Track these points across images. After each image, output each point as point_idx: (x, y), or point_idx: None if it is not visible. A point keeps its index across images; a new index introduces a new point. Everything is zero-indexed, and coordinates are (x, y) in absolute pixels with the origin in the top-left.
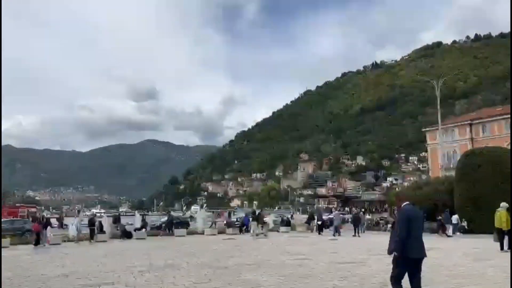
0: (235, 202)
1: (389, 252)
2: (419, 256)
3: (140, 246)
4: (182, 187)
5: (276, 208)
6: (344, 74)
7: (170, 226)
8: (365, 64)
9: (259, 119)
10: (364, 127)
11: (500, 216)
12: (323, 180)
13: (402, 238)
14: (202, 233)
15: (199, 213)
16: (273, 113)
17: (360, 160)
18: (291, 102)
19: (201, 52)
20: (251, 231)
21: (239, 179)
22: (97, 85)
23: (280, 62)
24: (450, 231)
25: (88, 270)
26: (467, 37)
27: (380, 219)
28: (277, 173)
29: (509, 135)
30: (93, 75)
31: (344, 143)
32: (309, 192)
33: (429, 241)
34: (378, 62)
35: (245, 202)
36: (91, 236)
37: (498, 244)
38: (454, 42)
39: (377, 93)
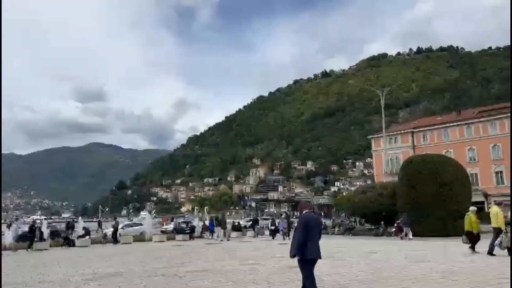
0: (186, 208)
1: (291, 256)
2: (313, 258)
3: (84, 254)
4: (129, 192)
5: (228, 213)
6: (296, 81)
7: (115, 233)
8: (315, 72)
9: (211, 123)
10: (314, 133)
11: (470, 218)
12: (274, 184)
13: (300, 242)
14: (150, 240)
15: (147, 219)
16: (226, 117)
17: (310, 165)
18: (244, 107)
19: (153, 53)
20: (216, 236)
21: (190, 184)
22: (41, 85)
23: (234, 67)
24: (410, 234)
25: (24, 280)
26: (410, 49)
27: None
28: (229, 178)
29: (446, 143)
30: (37, 75)
31: (295, 148)
32: (261, 196)
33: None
34: (328, 71)
35: (196, 207)
36: (30, 244)
37: (447, 246)
38: (398, 54)
39: (327, 101)
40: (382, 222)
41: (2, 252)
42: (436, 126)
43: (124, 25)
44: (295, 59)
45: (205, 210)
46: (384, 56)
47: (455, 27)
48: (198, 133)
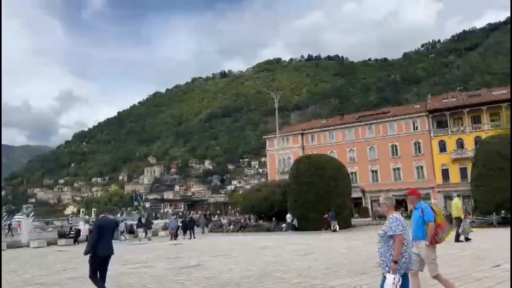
0: (70, 210)
1: (85, 253)
2: (106, 254)
3: None
4: (3, 193)
5: (119, 214)
6: (194, 79)
7: None
8: (214, 72)
9: (102, 119)
10: (212, 132)
11: (456, 205)
12: (171, 184)
13: (93, 241)
14: (28, 246)
15: (24, 223)
16: (119, 113)
17: (207, 164)
18: (138, 103)
19: (35, 39)
20: (139, 236)
21: (76, 184)
22: None
23: (128, 61)
24: (336, 227)
25: None
26: (302, 56)
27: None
28: (121, 177)
29: (331, 144)
30: None
31: (192, 147)
32: (156, 196)
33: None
34: (227, 71)
35: (82, 209)
36: None
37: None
38: (291, 60)
39: (225, 101)
40: (273, 218)
41: None
42: (322, 129)
43: None
44: (194, 57)
45: (93, 212)
46: (278, 61)
47: (340, 38)
48: (86, 129)
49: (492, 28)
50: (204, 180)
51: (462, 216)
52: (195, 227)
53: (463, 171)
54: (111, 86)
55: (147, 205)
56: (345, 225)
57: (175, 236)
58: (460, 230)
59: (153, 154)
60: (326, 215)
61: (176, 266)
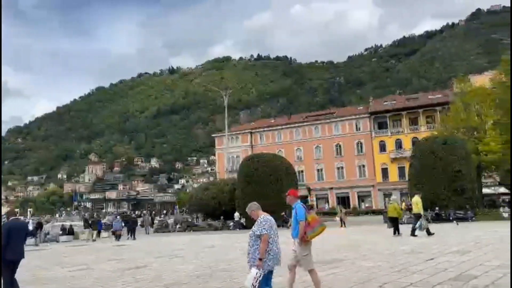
0: (3, 210)
1: None
2: (15, 259)
3: None
4: None
5: (57, 215)
6: (140, 75)
7: None
8: (162, 68)
9: (39, 114)
10: (159, 129)
11: (393, 207)
12: (114, 182)
13: (3, 246)
14: None
15: None
16: (58, 108)
17: (154, 162)
18: (80, 97)
19: None
20: (86, 237)
21: (9, 183)
22: None
23: (69, 53)
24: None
25: None
26: (251, 55)
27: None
28: (60, 176)
29: (279, 143)
30: None
31: (138, 144)
32: (98, 196)
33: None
34: (175, 67)
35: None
36: None
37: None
38: (241, 58)
39: (173, 98)
40: (221, 217)
41: None
42: (271, 128)
43: None
44: (140, 51)
45: (29, 212)
46: (228, 59)
47: (288, 40)
48: (22, 124)
49: (429, 35)
50: (150, 179)
51: (422, 213)
52: (139, 227)
53: (401, 170)
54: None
55: (89, 205)
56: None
57: (118, 237)
58: (417, 226)
59: (95, 151)
60: (283, 213)
61: (119, 267)
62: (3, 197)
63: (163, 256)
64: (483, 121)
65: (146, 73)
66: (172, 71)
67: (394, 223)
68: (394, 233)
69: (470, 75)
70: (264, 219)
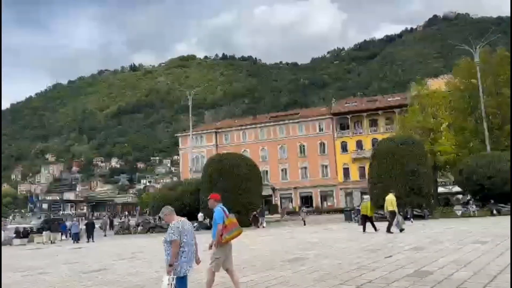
0: None
1: None
2: None
3: None
4: None
5: (11, 217)
6: (101, 72)
7: None
8: (123, 65)
9: None
10: (120, 128)
11: (366, 205)
12: (72, 183)
13: None
14: None
15: None
16: (12, 105)
17: (114, 162)
18: (35, 94)
19: None
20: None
21: None
22: None
23: (23, 48)
24: (264, 223)
25: None
26: (216, 55)
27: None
28: (13, 177)
29: (244, 143)
30: None
31: (98, 144)
32: (55, 197)
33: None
34: (137, 65)
35: None
36: None
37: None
38: (206, 57)
39: (135, 96)
40: (185, 218)
41: None
42: (236, 128)
43: None
44: (100, 47)
45: None
46: (193, 57)
47: (253, 40)
48: None
49: (389, 39)
50: (111, 180)
51: (396, 210)
52: (98, 229)
53: (361, 170)
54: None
55: (45, 206)
56: (256, 222)
57: (77, 239)
58: (394, 223)
59: (52, 151)
60: (255, 212)
61: (77, 271)
62: None
63: (123, 258)
64: (438, 122)
65: (106, 70)
66: (134, 68)
67: (365, 220)
68: (364, 230)
69: (427, 79)
70: (176, 224)
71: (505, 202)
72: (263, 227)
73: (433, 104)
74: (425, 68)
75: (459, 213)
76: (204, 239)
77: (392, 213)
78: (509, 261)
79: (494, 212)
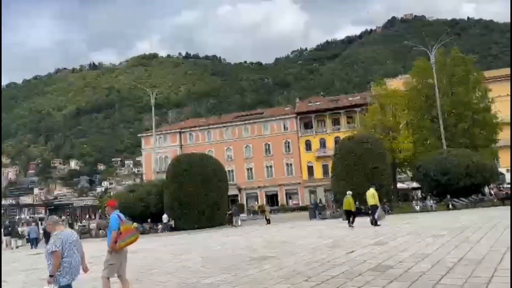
0: None
1: None
2: None
3: None
4: None
5: None
6: (58, 71)
7: None
8: (82, 63)
9: None
10: (79, 129)
11: (349, 201)
12: (29, 187)
13: None
14: None
15: None
16: None
17: (74, 164)
18: None
19: None
20: (5, 245)
21: None
22: None
23: None
24: (239, 222)
25: None
26: (180, 53)
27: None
28: None
29: (209, 143)
30: None
31: (56, 145)
32: (10, 201)
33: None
34: (97, 63)
35: None
36: None
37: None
38: (169, 56)
39: (95, 95)
40: (148, 220)
41: None
42: (200, 128)
43: None
44: (57, 45)
45: None
46: (155, 56)
47: (217, 39)
48: None
49: (350, 40)
50: (70, 182)
51: (378, 204)
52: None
53: (325, 168)
54: None
55: None
56: (223, 221)
57: (35, 245)
58: (376, 216)
59: (6, 153)
60: (230, 211)
61: (35, 278)
62: None
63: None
64: (397, 121)
65: (64, 68)
66: (94, 67)
67: (349, 215)
68: (349, 224)
69: (386, 79)
70: (58, 235)
71: (460, 197)
72: (239, 225)
73: (392, 103)
74: (384, 69)
75: (417, 208)
76: (174, 240)
77: (374, 207)
78: (463, 253)
79: (450, 206)
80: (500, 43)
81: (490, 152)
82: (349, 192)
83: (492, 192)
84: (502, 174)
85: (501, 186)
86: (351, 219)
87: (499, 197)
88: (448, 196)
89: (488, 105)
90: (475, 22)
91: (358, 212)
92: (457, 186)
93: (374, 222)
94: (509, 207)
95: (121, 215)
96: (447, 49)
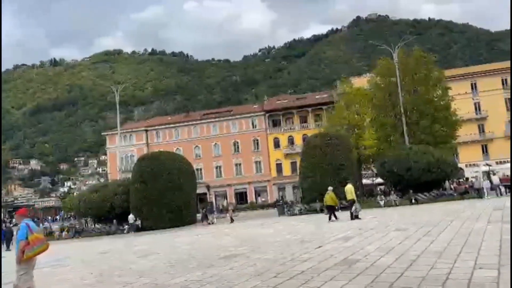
0: None
1: None
2: None
3: None
4: None
5: None
6: (16, 67)
7: None
8: (42, 59)
9: None
10: (39, 127)
11: (331, 196)
12: None
13: None
14: None
15: None
16: None
17: (34, 164)
18: None
19: None
20: None
21: None
22: None
23: None
24: (214, 220)
25: None
26: (145, 49)
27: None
28: None
29: (177, 141)
30: None
31: (15, 144)
32: None
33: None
34: (58, 59)
35: None
36: None
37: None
38: (134, 52)
39: (56, 92)
40: (114, 221)
41: None
42: (167, 126)
43: None
44: (16, 40)
45: None
46: (119, 52)
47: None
48: None
49: (316, 39)
50: (30, 183)
51: (355, 199)
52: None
53: (293, 165)
54: None
55: None
56: (191, 220)
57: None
58: (352, 210)
59: None
60: (205, 209)
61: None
62: None
63: (46, 266)
64: (362, 119)
65: (23, 64)
66: (54, 63)
67: (331, 210)
68: (330, 219)
69: (351, 77)
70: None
71: (422, 192)
72: (213, 223)
73: (357, 101)
74: (350, 67)
75: (382, 203)
76: (142, 240)
77: (352, 201)
78: (426, 246)
79: (413, 201)
80: (459, 42)
81: (450, 148)
82: (330, 188)
83: (452, 186)
84: (461, 169)
85: (460, 180)
86: (332, 214)
87: (459, 192)
88: (411, 191)
89: (448, 103)
90: (436, 22)
91: (331, 207)
92: (419, 181)
93: (355, 216)
94: (468, 201)
95: (31, 224)
96: (410, 48)
